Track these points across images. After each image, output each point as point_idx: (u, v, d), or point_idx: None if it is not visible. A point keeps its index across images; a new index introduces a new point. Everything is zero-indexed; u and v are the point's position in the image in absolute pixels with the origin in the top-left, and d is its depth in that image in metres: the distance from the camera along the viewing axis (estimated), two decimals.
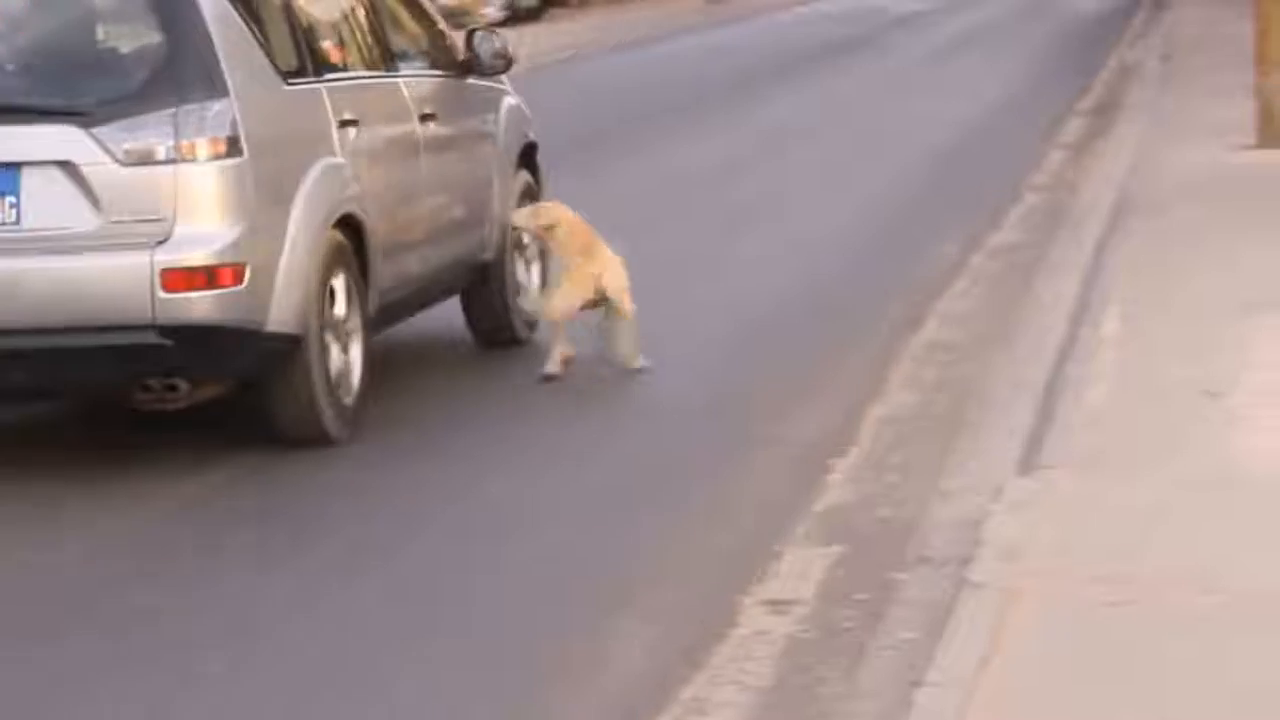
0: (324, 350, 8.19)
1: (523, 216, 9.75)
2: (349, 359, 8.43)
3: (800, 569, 6.77)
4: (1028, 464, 7.57)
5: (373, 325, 8.66)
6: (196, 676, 5.99)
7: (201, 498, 7.88)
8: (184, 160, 7.77)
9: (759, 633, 6.20)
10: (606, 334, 9.52)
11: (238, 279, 7.81)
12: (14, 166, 7.77)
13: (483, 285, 10.00)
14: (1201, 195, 13.87)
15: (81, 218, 7.77)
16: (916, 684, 5.49)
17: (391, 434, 8.60)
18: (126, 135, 7.80)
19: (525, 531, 7.43)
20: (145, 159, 7.77)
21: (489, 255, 9.92)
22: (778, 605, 6.43)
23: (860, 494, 7.61)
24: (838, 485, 7.74)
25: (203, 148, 7.79)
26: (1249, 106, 16.29)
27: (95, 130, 7.79)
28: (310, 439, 8.21)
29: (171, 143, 7.78)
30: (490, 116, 10.16)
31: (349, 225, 8.42)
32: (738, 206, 14.72)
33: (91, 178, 7.75)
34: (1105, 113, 19.98)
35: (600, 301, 9.42)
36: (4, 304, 7.74)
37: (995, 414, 8.47)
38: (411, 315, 9.46)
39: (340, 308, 8.38)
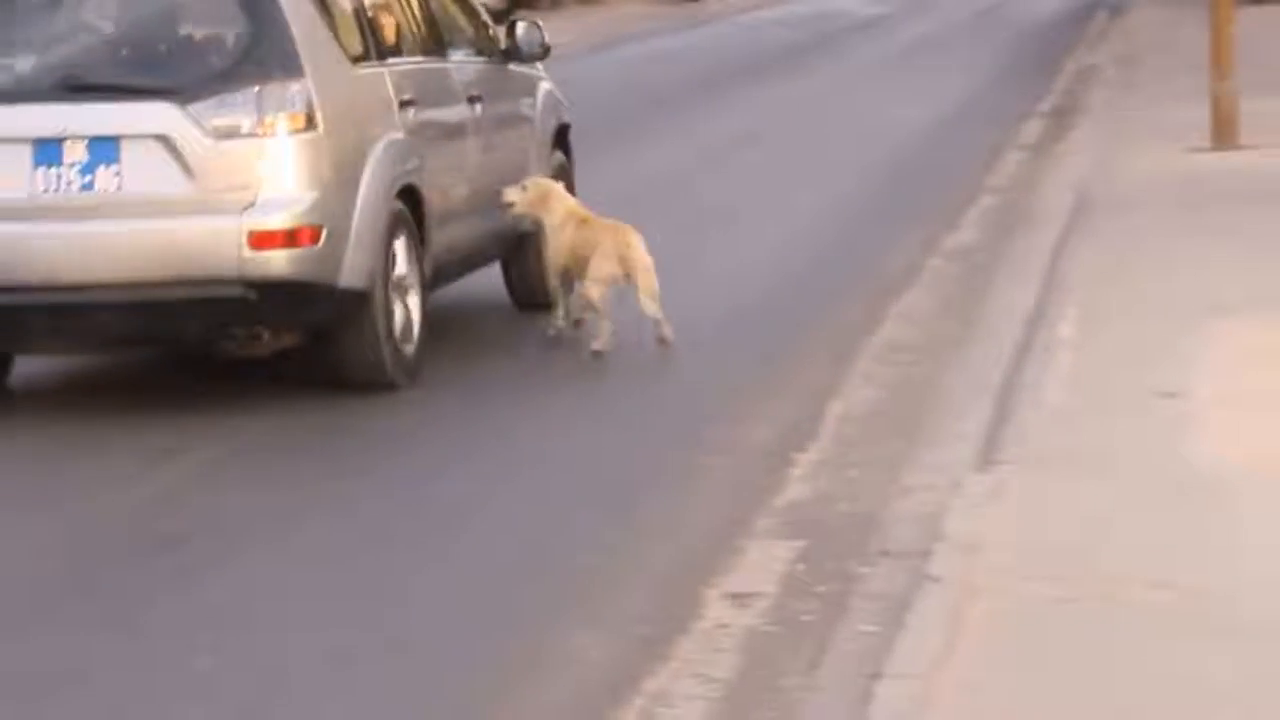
0: (388, 305, 9.10)
1: (514, 192, 10.17)
2: (409, 314, 9.34)
3: (763, 562, 6.84)
4: (985, 461, 7.65)
5: (428, 285, 9.60)
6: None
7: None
8: (266, 134, 8.74)
9: (721, 625, 6.27)
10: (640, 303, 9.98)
11: (314, 240, 8.76)
12: (116, 139, 8.74)
13: (520, 254, 10.87)
14: (1158, 197, 13.97)
15: (176, 185, 8.71)
16: (876, 676, 5.56)
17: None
18: (215, 112, 8.76)
19: (483, 522, 7.51)
20: (232, 133, 8.75)
21: (526, 227, 10.58)
22: (740, 598, 6.50)
23: (822, 489, 7.69)
24: (800, 480, 7.82)
25: (282, 123, 8.76)
26: (1205, 109, 16.42)
27: (188, 107, 8.75)
28: (374, 384, 9.13)
29: (255, 119, 8.76)
30: (528, 100, 11.11)
31: (409, 195, 9.38)
32: (694, 212, 14.74)
33: (184, 149, 8.71)
34: (1063, 115, 20.08)
35: (629, 275, 9.88)
36: (107, 262, 8.71)
37: (953, 412, 8.55)
38: (459, 278, 10.38)
39: (401, 268, 9.29)
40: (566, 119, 11.50)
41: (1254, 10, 30.71)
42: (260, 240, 8.67)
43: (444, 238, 9.73)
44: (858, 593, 6.42)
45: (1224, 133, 16.16)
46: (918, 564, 6.50)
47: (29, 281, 8.77)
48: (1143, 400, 8.33)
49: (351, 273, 8.90)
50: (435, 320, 9.89)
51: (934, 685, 5.48)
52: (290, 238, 8.72)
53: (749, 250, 13.08)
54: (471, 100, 10.35)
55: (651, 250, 10.00)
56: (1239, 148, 16.05)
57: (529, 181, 10.27)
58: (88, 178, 8.76)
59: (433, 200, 9.59)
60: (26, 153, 8.79)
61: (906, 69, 27.08)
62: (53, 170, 8.78)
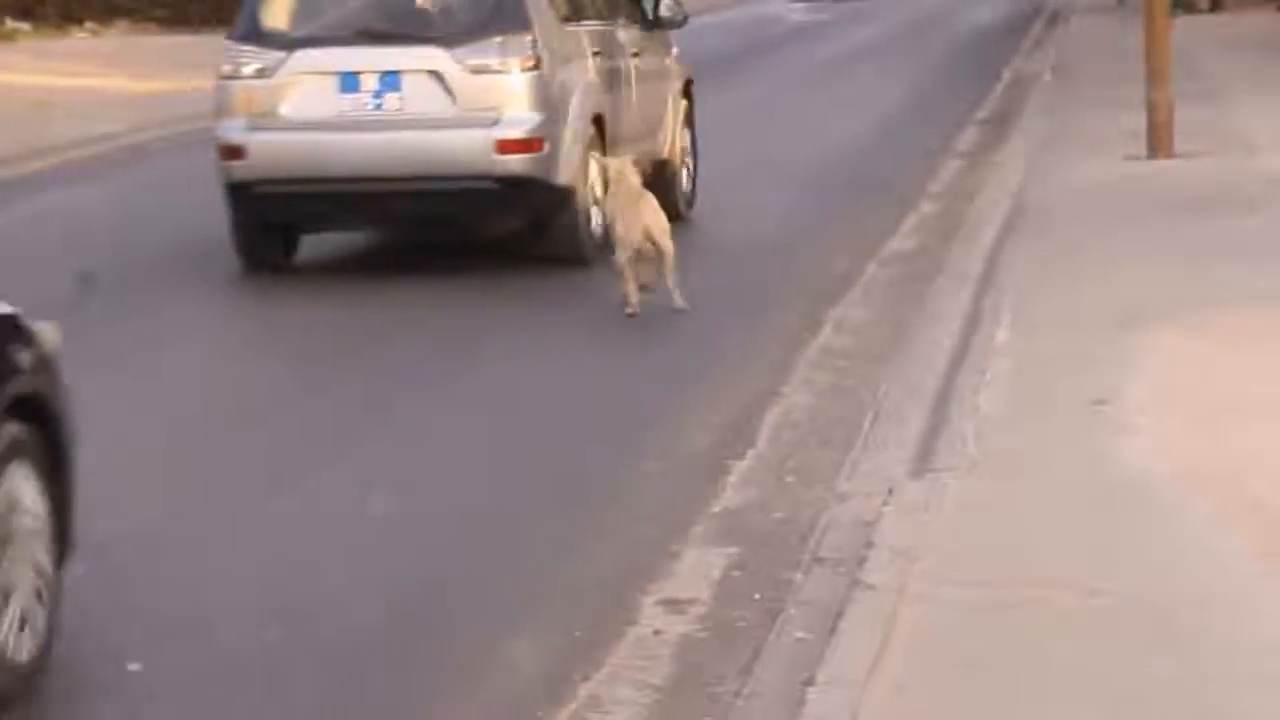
0: (586, 200, 12.31)
1: (604, 167, 11.85)
2: (593, 210, 12.48)
3: (698, 569, 6.88)
4: (920, 468, 7.70)
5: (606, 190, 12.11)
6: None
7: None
8: (507, 71, 12.12)
9: (657, 631, 6.30)
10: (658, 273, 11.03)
11: (540, 148, 12.09)
12: (399, 73, 12.11)
13: (659, 175, 13.66)
14: (1094, 205, 14.06)
15: (443, 106, 12.09)
16: (809, 683, 5.60)
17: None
18: (471, 54, 12.17)
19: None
20: (483, 70, 12.13)
21: (664, 154, 14.01)
22: (675, 604, 6.54)
23: (757, 496, 7.73)
24: (735, 487, 7.86)
25: (518, 63, 12.13)
26: (1141, 118, 16.53)
27: (452, 50, 12.14)
28: (575, 259, 12.31)
29: (499, 59, 12.15)
30: (668, 59, 14.61)
31: (597, 121, 12.67)
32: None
33: (450, 81, 12.11)
34: (1001, 123, 20.18)
35: (651, 242, 10.92)
36: (392, 162, 12.01)
37: (889, 419, 8.60)
38: None
39: (592, 175, 12.41)
40: (690, 74, 14.92)
41: (1190, 20, 30.97)
42: (504, 147, 12.01)
43: (616, 155, 12.36)
44: (792, 599, 6.46)
45: (1160, 141, 16.27)
46: (852, 571, 6.54)
47: (336, 175, 12.10)
48: (1076, 408, 8.39)
49: (564, 173, 12.17)
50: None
51: (867, 691, 5.51)
52: (525, 145, 12.02)
53: (687, 256, 13.07)
54: (632, 55, 13.74)
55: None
56: (1175, 156, 16.17)
57: (608, 162, 11.72)
58: (378, 101, 12.12)
59: (612, 127, 12.85)
60: (334, 83, 12.15)
61: (844, 76, 27.16)
62: (353, 95, 12.14)
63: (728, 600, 6.57)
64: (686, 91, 14.73)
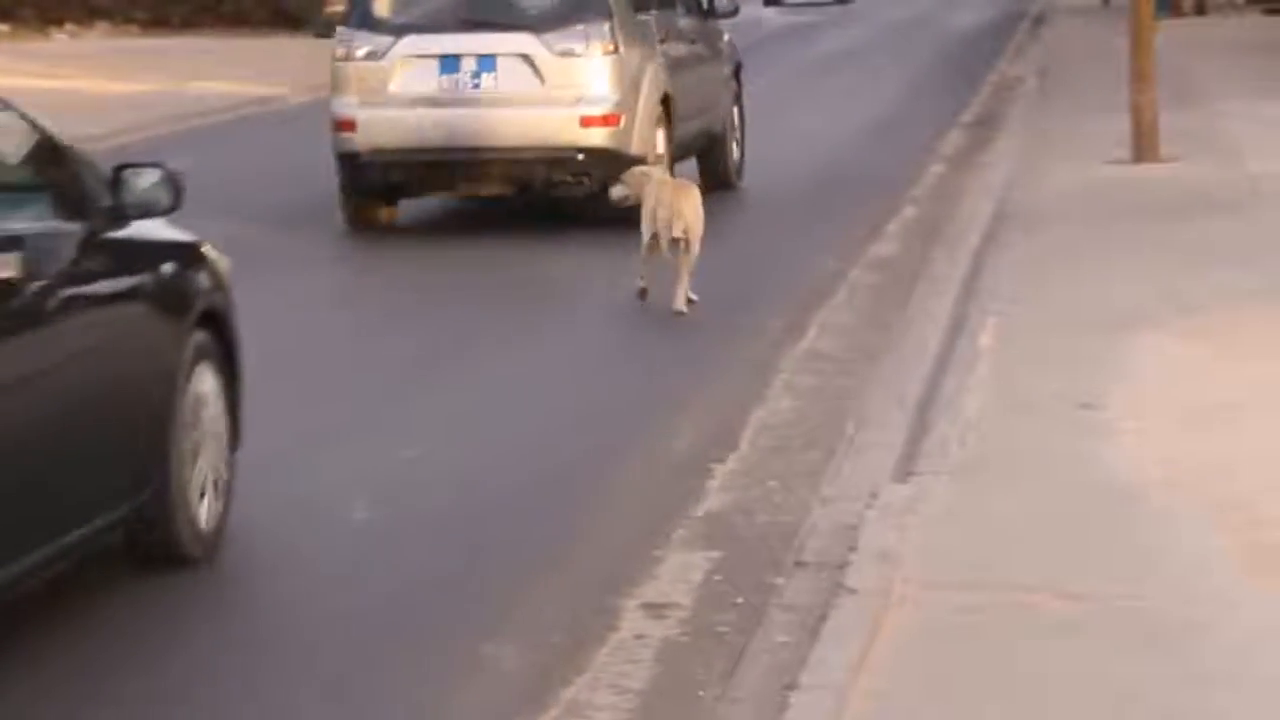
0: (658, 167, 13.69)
1: (618, 189, 11.76)
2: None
3: (680, 573, 6.86)
4: (904, 472, 7.70)
5: (673, 161, 14.34)
6: None
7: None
8: (589, 55, 13.81)
9: (638, 636, 6.29)
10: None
11: (617, 123, 13.85)
12: (494, 56, 13.80)
13: (712, 149, 15.86)
14: (1078, 209, 14.09)
15: (532, 86, 13.79)
16: (791, 687, 5.58)
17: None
18: (558, 40, 13.83)
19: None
20: (569, 54, 13.82)
21: (719, 129, 15.91)
22: (657, 609, 6.52)
23: (740, 499, 7.72)
24: (718, 491, 7.84)
25: (599, 49, 13.83)
26: (1125, 122, 16.55)
27: (541, 37, 13.81)
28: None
29: (583, 45, 13.83)
30: (721, 45, 16.52)
31: (665, 101, 14.37)
32: (618, 222, 14.78)
33: (539, 64, 13.80)
34: (985, 126, 20.21)
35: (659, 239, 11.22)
36: (488, 134, 13.77)
37: (873, 423, 8.59)
38: (682, 160, 14.84)
39: (660, 147, 14.19)
40: (740, 60, 16.89)
41: (1174, 23, 31.01)
42: (587, 121, 13.77)
43: (679, 131, 14.61)
44: (774, 604, 6.46)
45: (1144, 145, 16.28)
46: (835, 575, 6.53)
47: (436, 146, 13.83)
48: (1060, 411, 8.40)
49: (637, 145, 13.89)
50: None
51: (849, 695, 5.51)
52: (604, 120, 13.79)
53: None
54: (691, 42, 15.55)
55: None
56: (1159, 160, 16.19)
57: (625, 175, 11.96)
58: (476, 81, 13.82)
59: (677, 105, 14.55)
60: (435, 65, 13.87)
61: (829, 79, 27.19)
62: (453, 76, 13.82)
63: (710, 604, 6.55)
64: (736, 74, 16.71)
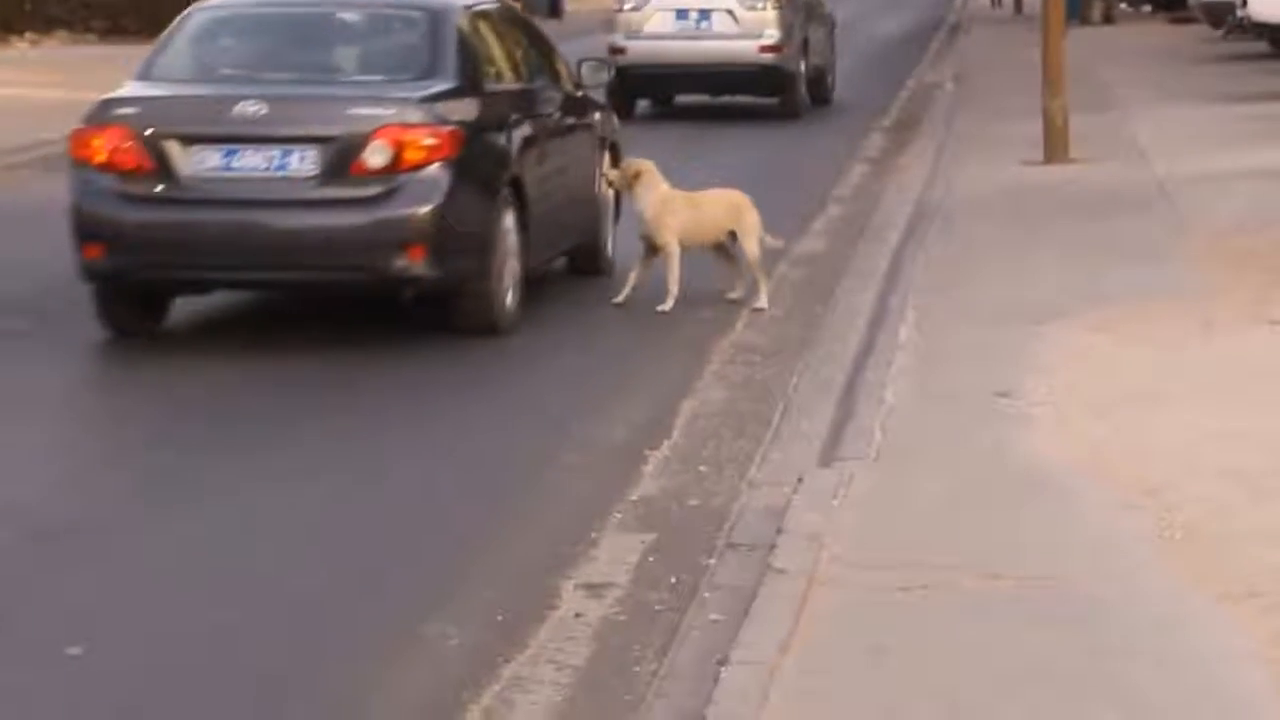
0: (802, 80, 22.52)
1: (613, 173, 11.97)
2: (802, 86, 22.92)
3: (616, 554, 7.05)
4: (829, 458, 7.89)
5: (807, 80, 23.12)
6: None
7: None
8: (765, 8, 21.80)
9: (576, 614, 6.47)
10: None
11: (782, 50, 21.73)
12: (710, 10, 21.95)
13: (821, 78, 24.00)
14: (993, 208, 14.29)
15: (732, 28, 21.75)
16: (723, 662, 5.76)
17: None
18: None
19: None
20: (753, 8, 21.75)
21: (823, 64, 24.06)
22: (594, 588, 6.71)
23: (673, 484, 7.91)
24: (652, 476, 8.03)
25: (771, 4, 21.86)
26: (1037, 125, 16.80)
27: None
28: (795, 117, 21.97)
29: (763, 3, 21.78)
30: (825, 9, 24.52)
31: (804, 42, 22.73)
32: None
33: (736, 14, 21.80)
34: (905, 129, 20.43)
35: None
36: (704, 56, 21.85)
37: (799, 411, 8.79)
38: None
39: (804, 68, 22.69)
40: (835, 20, 25.62)
41: (1084, 31, 31.41)
42: (763, 49, 21.64)
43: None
44: (707, 583, 6.64)
45: (1055, 147, 16.56)
46: (764, 556, 6.71)
47: (675, 63, 21.80)
48: (978, 400, 8.58)
49: (791, 65, 21.97)
50: None
51: (778, 670, 5.67)
52: (774, 49, 21.65)
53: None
54: (817, 6, 24.01)
55: None
56: (1069, 161, 16.47)
57: (628, 160, 12.13)
58: (700, 25, 21.88)
59: (809, 46, 22.77)
60: (673, 15, 21.92)
61: None
62: (683, 22, 21.94)
63: (645, 584, 6.74)
64: (830, 30, 24.40)
